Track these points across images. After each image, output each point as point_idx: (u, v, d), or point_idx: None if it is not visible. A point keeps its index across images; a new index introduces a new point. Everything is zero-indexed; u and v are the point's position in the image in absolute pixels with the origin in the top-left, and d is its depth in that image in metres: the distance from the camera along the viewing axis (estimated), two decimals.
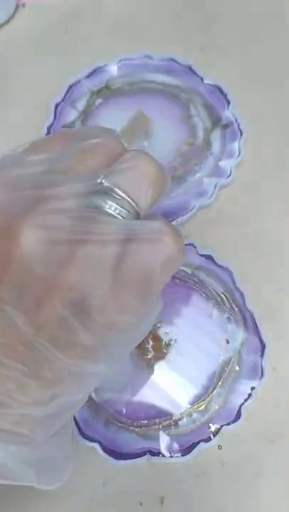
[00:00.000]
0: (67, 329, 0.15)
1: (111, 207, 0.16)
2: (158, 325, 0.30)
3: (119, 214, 0.16)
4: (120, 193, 0.16)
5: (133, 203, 0.16)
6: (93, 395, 0.29)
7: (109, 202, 0.16)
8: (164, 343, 0.29)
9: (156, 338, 0.30)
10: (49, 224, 0.15)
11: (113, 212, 0.16)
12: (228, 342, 0.30)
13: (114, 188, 0.16)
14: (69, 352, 0.16)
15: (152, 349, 0.29)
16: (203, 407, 0.28)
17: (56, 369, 0.16)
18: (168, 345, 0.29)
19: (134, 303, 0.16)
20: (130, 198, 0.16)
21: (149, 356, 0.29)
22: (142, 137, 0.28)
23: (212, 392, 0.29)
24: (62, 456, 0.19)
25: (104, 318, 0.16)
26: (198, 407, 0.28)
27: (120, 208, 0.16)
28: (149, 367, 0.29)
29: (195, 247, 0.32)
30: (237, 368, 0.29)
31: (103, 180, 0.16)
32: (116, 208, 0.16)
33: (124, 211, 0.16)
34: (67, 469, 0.20)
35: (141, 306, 0.16)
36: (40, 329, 0.15)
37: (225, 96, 0.36)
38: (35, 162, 0.17)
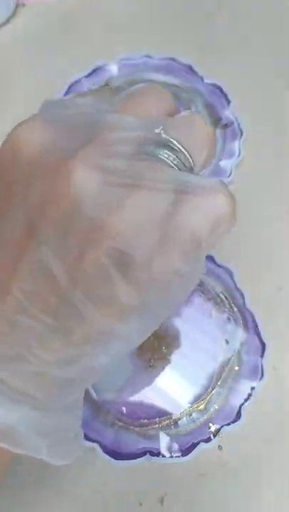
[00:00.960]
0: (106, 282, 0.14)
1: (169, 157, 0.15)
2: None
3: (176, 165, 0.15)
4: (178, 145, 0.15)
5: (190, 158, 0.16)
6: (93, 395, 0.28)
7: (167, 152, 0.15)
8: (166, 341, 0.29)
9: (160, 337, 0.29)
10: (104, 165, 0.14)
11: (170, 163, 0.15)
12: (227, 342, 0.30)
13: (172, 140, 0.15)
14: (104, 309, 0.14)
15: (152, 348, 0.29)
16: (202, 406, 0.28)
17: (86, 327, 0.15)
18: (168, 344, 0.29)
19: (179, 263, 0.15)
20: (188, 152, 0.15)
21: (148, 356, 0.29)
22: None
23: (212, 391, 0.29)
24: (72, 433, 0.18)
25: (147, 274, 0.14)
26: (197, 407, 0.28)
27: (178, 160, 0.15)
28: (150, 367, 0.29)
29: None
30: (237, 368, 0.29)
31: (162, 131, 0.15)
32: (174, 159, 0.15)
33: (181, 164, 0.15)
34: (76, 449, 0.19)
35: (185, 267, 0.15)
36: (77, 279, 0.14)
37: (225, 96, 0.36)
38: (86, 102, 0.16)
